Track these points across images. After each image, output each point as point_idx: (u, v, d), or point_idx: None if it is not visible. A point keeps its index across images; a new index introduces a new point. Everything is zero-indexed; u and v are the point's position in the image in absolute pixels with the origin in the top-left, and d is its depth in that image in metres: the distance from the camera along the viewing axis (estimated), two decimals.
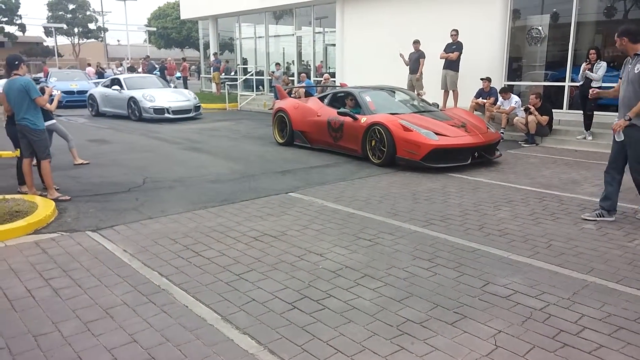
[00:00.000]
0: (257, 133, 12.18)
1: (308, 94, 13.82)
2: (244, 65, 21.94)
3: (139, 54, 47.58)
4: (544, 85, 12.04)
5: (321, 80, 15.86)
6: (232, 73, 22.32)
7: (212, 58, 22.73)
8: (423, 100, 9.84)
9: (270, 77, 19.24)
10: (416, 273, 3.92)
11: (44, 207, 5.46)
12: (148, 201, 6.06)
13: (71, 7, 59.25)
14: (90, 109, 16.70)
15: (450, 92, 12.25)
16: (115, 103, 15.57)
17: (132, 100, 14.80)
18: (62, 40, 62.54)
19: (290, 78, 18.03)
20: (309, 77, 17.27)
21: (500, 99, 10.84)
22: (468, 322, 3.17)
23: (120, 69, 29.48)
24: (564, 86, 11.50)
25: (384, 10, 14.87)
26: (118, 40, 69.39)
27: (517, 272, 3.94)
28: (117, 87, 15.55)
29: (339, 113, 8.77)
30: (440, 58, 12.04)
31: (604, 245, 4.53)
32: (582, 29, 11.37)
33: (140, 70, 25.25)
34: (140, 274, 3.93)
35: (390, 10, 14.67)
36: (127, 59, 32.33)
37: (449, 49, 11.96)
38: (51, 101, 6.50)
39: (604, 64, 9.32)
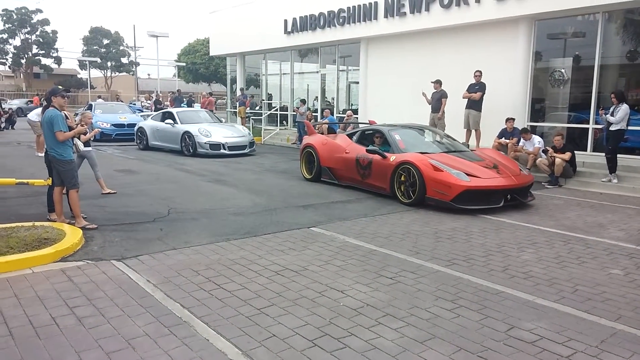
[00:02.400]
0: (280, 167, 12.32)
1: (331, 130, 14.00)
2: (268, 100, 22.38)
3: (168, 87, 49.10)
4: (567, 127, 11.98)
5: (344, 117, 16.06)
6: (257, 108, 22.76)
7: (238, 93, 23.27)
8: (453, 140, 9.75)
9: (294, 113, 19.57)
10: (439, 314, 3.86)
11: (72, 235, 5.58)
12: (172, 232, 6.14)
13: (105, 41, 61.71)
14: (138, 142, 16.18)
15: (473, 131, 12.27)
16: (167, 137, 15.07)
17: (186, 134, 14.30)
18: (95, 72, 64.91)
19: (314, 114, 18.30)
20: (332, 114, 17.52)
21: (522, 139, 10.83)
22: None
23: (149, 102, 30.29)
24: (588, 128, 11.43)
25: (407, 50, 15.10)
26: (148, 74, 71.58)
27: (542, 316, 3.86)
28: (170, 120, 15.08)
29: (367, 151, 8.76)
30: (463, 98, 12.13)
31: (632, 291, 4.42)
32: (605, 72, 11.36)
33: (167, 103, 25.90)
34: (162, 305, 3.96)
35: (413, 50, 14.89)
36: (157, 92, 33.20)
37: (472, 89, 12.05)
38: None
39: (623, 107, 9.30)
